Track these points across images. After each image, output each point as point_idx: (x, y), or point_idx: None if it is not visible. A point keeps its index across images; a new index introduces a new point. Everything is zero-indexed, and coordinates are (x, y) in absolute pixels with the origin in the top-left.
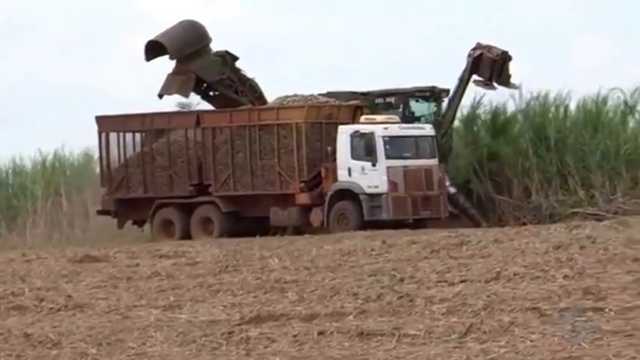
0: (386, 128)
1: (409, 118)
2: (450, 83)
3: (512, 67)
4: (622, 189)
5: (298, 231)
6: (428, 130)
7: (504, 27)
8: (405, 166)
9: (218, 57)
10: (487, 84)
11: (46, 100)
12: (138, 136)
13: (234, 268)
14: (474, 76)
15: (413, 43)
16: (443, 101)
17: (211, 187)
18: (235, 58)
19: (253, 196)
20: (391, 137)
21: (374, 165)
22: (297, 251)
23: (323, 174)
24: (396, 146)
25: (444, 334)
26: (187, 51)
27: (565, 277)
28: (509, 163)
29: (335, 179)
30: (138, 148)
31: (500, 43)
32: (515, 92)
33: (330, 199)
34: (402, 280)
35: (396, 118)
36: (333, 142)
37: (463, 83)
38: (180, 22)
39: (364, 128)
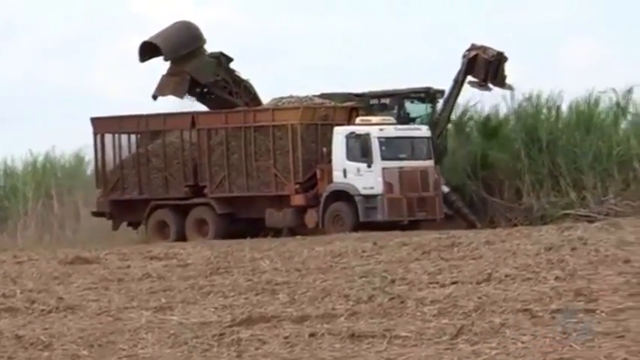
0: (381, 129)
1: (404, 119)
2: (447, 84)
3: (507, 68)
4: (614, 190)
5: (293, 232)
6: (424, 131)
7: (497, 28)
8: (401, 168)
9: (212, 58)
10: (482, 85)
11: (38, 102)
12: (133, 137)
13: (225, 270)
14: (469, 77)
15: (409, 44)
16: (438, 102)
17: (206, 189)
18: (230, 60)
19: (248, 197)
20: (387, 138)
21: (369, 166)
22: (289, 253)
23: (318, 175)
24: (391, 147)
25: (435, 336)
26: (182, 52)
27: (556, 278)
28: (501, 165)
29: (330, 180)
30: (133, 150)
31: (493, 44)
32: (508, 94)
33: (326, 200)
34: (393, 281)
35: (392, 119)
36: (328, 143)
37: (458, 84)
38: (175, 24)
39: (360, 129)
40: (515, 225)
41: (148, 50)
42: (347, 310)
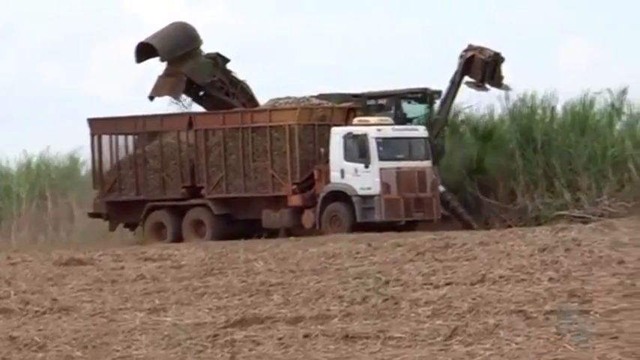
0: (379, 130)
1: (401, 119)
2: (444, 85)
3: (504, 69)
4: (608, 191)
5: (290, 233)
6: (421, 131)
7: (493, 29)
8: (398, 168)
9: (209, 59)
10: (479, 85)
11: (33, 102)
12: (130, 138)
13: (219, 271)
14: (466, 78)
15: (406, 45)
16: (435, 103)
17: (203, 190)
18: (226, 60)
19: (245, 198)
20: (384, 139)
21: (367, 166)
22: (283, 254)
23: (316, 176)
24: (389, 148)
25: (429, 337)
26: (178, 53)
27: (550, 279)
28: (496, 167)
29: (328, 181)
30: (130, 151)
31: (489, 45)
32: (502, 94)
33: (323, 200)
34: (387, 282)
35: (390, 119)
36: (325, 144)
37: (455, 85)
38: (171, 24)
39: (357, 130)
40: (510, 226)
41: (144, 51)
42: (341, 311)
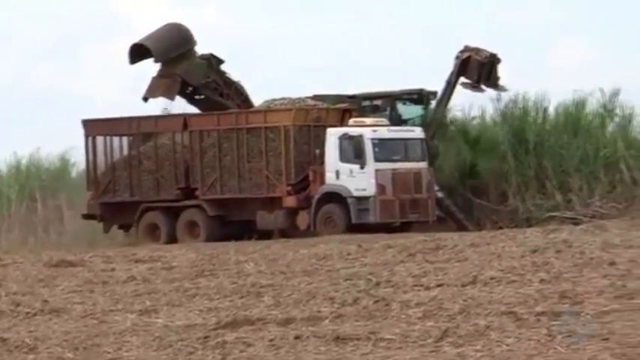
0: (375, 131)
1: (396, 120)
2: (439, 86)
3: (500, 70)
4: (600, 192)
5: (284, 234)
6: (417, 132)
7: (488, 29)
8: (394, 169)
9: (203, 60)
10: (475, 86)
11: (24, 104)
12: (125, 139)
13: (210, 273)
14: (462, 79)
15: (402, 46)
16: (430, 104)
17: (198, 191)
18: (221, 61)
19: (240, 199)
20: (380, 140)
21: (362, 168)
22: (273, 255)
23: (311, 177)
24: (385, 149)
25: (420, 339)
26: (172, 54)
27: (541, 281)
28: (488, 168)
29: (323, 182)
30: (125, 152)
31: (482, 46)
32: (494, 95)
33: (318, 202)
34: (378, 284)
35: (386, 120)
36: (321, 145)
37: (451, 86)
38: (165, 25)
39: (353, 131)
40: (501, 227)
41: (138, 52)
42: (332, 313)
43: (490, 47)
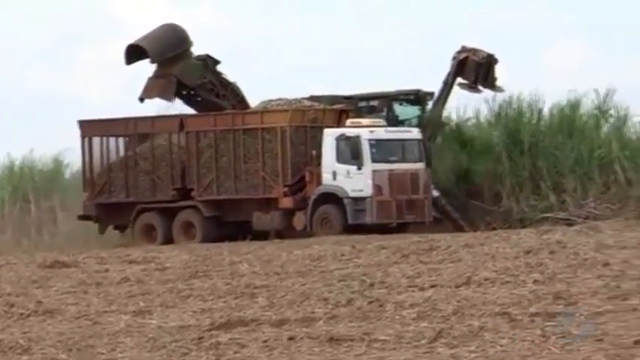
0: (372, 131)
1: (393, 121)
2: (436, 86)
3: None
4: (594, 193)
5: (280, 235)
6: (415, 133)
7: (483, 30)
8: (391, 170)
9: (199, 61)
10: (472, 87)
11: (18, 105)
12: (121, 140)
13: (203, 274)
14: (459, 79)
15: (398, 46)
16: (427, 105)
17: (194, 192)
18: (216, 62)
19: (236, 200)
20: (377, 141)
21: (359, 168)
22: (267, 256)
23: (307, 178)
24: (382, 150)
25: (414, 339)
26: (168, 55)
27: (535, 281)
28: (482, 169)
29: (319, 183)
30: (121, 153)
31: (478, 46)
32: (490, 95)
33: (314, 203)
34: (372, 285)
35: (383, 121)
36: (317, 145)
37: (448, 86)
38: (161, 26)
39: (350, 131)
40: (494, 228)
41: (134, 53)
42: (326, 314)
43: (484, 48)
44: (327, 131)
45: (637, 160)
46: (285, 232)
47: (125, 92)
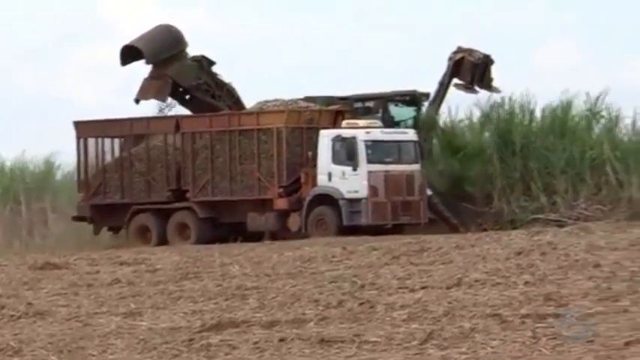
0: (368, 132)
1: (388, 122)
2: (432, 87)
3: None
4: (585, 195)
5: (275, 237)
6: (411, 134)
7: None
8: (387, 171)
9: (194, 61)
10: (468, 87)
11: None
12: (116, 141)
13: (194, 275)
14: (455, 80)
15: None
16: (423, 105)
17: (189, 193)
18: (212, 63)
19: (231, 201)
20: (373, 142)
21: (355, 170)
22: (258, 258)
23: (303, 179)
24: (378, 151)
25: (405, 341)
26: (164, 55)
27: (526, 283)
28: (473, 175)
29: (315, 184)
30: (116, 154)
31: (472, 47)
32: (477, 97)
33: (309, 204)
34: (362, 286)
35: (379, 122)
36: (313, 147)
37: (443, 87)
38: (157, 27)
39: (346, 133)
40: (485, 229)
41: (129, 54)
42: (316, 315)
43: (477, 48)
44: (323, 132)
45: (628, 161)
46: (280, 234)
47: (116, 94)
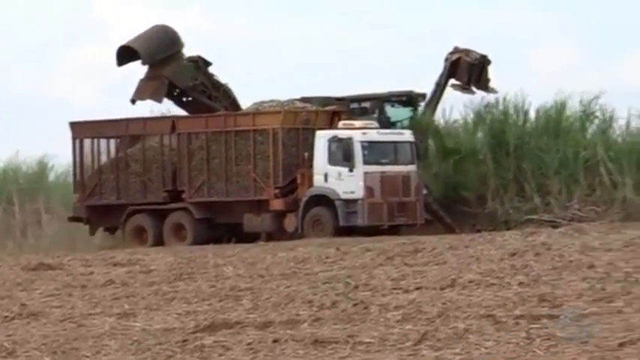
0: (364, 133)
1: (385, 123)
2: (429, 87)
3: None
4: (579, 195)
5: (271, 238)
6: (407, 135)
7: (468, 31)
8: (383, 172)
9: (191, 62)
10: (465, 88)
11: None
12: (112, 142)
13: (188, 276)
14: (452, 80)
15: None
16: (419, 106)
17: (185, 194)
18: (208, 64)
19: (227, 202)
20: (369, 142)
21: (351, 170)
22: (252, 259)
23: (299, 180)
24: (374, 152)
25: (399, 342)
26: (160, 56)
27: (520, 284)
28: (467, 180)
29: (311, 185)
30: (112, 154)
31: (467, 47)
32: (471, 98)
33: (305, 204)
34: (356, 287)
35: (375, 123)
36: (309, 147)
37: (440, 88)
38: (153, 27)
39: (342, 133)
40: (479, 230)
41: (125, 54)
42: (310, 316)
43: (474, 49)
44: (319, 133)
45: (622, 162)
46: (276, 235)
47: (112, 94)
